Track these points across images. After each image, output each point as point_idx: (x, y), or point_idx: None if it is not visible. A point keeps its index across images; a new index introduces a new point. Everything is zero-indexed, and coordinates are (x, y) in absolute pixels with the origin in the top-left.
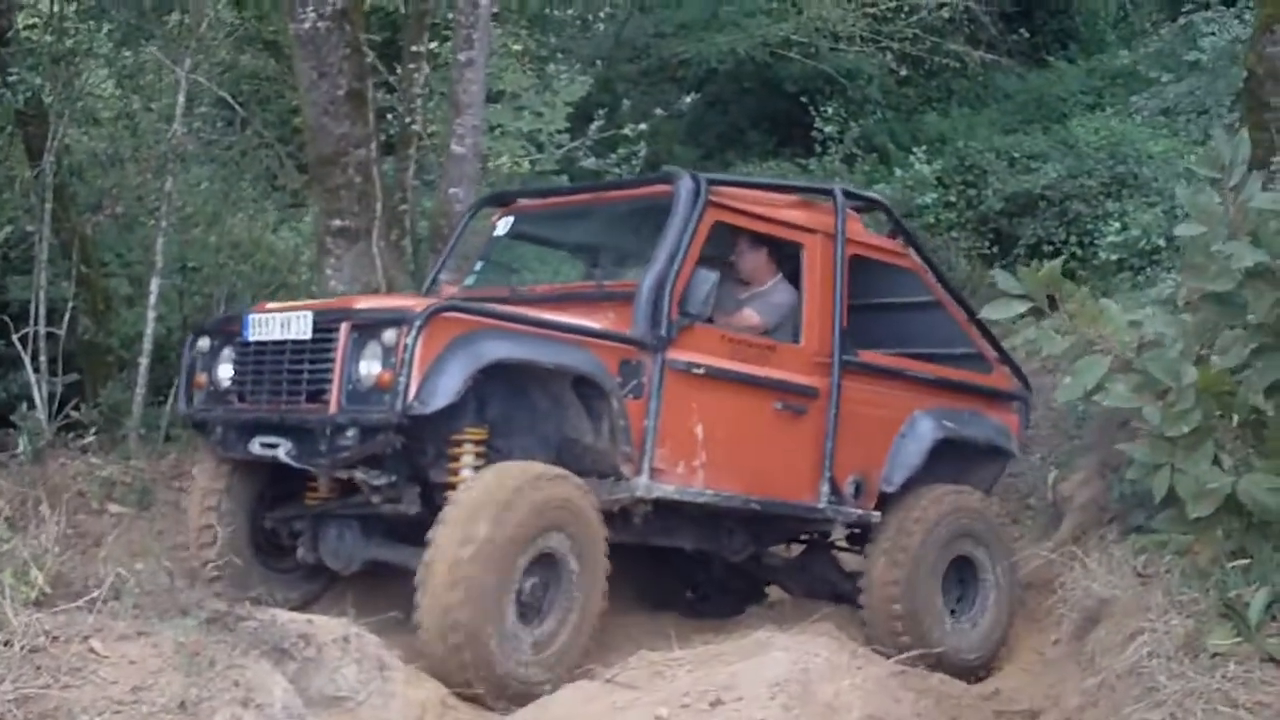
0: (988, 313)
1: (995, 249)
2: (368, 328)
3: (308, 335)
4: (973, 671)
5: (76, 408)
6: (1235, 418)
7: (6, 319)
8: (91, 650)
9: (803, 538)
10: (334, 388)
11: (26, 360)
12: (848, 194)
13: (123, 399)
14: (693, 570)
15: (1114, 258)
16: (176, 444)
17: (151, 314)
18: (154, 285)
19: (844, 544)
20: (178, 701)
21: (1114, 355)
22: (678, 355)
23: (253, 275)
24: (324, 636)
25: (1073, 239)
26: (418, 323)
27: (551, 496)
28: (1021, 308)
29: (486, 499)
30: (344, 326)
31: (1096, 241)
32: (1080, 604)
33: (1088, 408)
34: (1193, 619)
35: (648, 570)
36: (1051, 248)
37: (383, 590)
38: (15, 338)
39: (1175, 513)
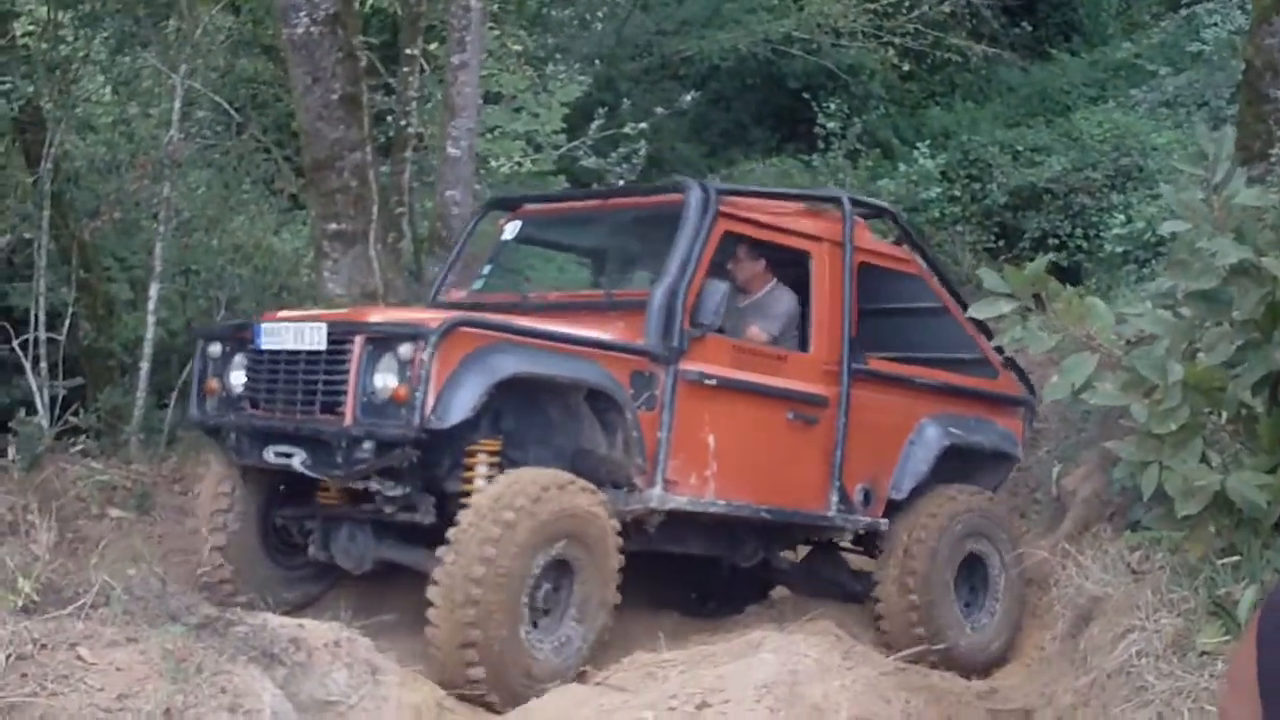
0: (974, 312)
1: (1000, 243)
2: (382, 341)
3: (322, 346)
4: (984, 668)
5: (76, 413)
6: (1224, 415)
7: (7, 325)
8: (79, 657)
9: (811, 538)
10: (349, 400)
11: (27, 365)
12: (855, 201)
13: (124, 403)
14: (699, 572)
15: (1119, 250)
16: (177, 448)
17: (151, 318)
18: (153, 290)
19: (849, 545)
20: (163, 709)
21: (1101, 353)
22: (690, 366)
23: (254, 278)
24: (314, 641)
25: (1078, 232)
26: (434, 338)
27: (561, 505)
28: (1007, 307)
29: (495, 517)
30: (358, 339)
31: (1102, 234)
32: (1074, 601)
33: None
34: (1182, 617)
35: (650, 571)
36: (1056, 241)
37: (378, 593)
38: (16, 343)
39: (1164, 510)
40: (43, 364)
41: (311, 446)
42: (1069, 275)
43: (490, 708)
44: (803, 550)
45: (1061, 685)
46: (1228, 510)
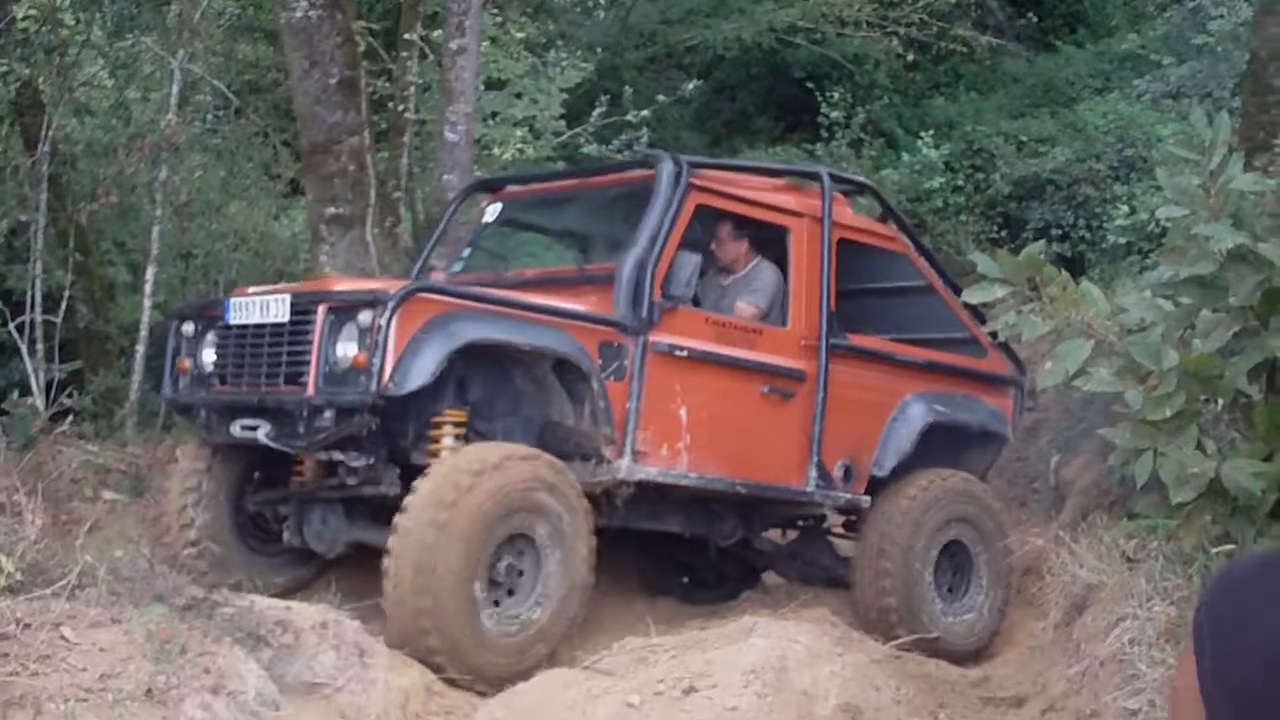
0: (968, 297)
1: (1004, 233)
2: (344, 309)
3: (286, 318)
4: (967, 656)
5: (70, 395)
6: (1220, 402)
7: (4, 308)
8: (62, 637)
9: (799, 523)
10: (311, 369)
11: (23, 348)
12: (835, 177)
13: (119, 386)
14: (687, 555)
15: (1123, 241)
16: (173, 431)
17: (148, 302)
18: (150, 273)
19: (840, 529)
20: (145, 689)
21: (1096, 339)
22: (660, 338)
23: (253, 263)
24: (302, 623)
25: (1081, 223)
26: (392, 304)
27: (519, 477)
28: (1001, 291)
29: (448, 484)
30: (321, 309)
31: (1105, 225)
32: (1068, 589)
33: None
34: (1175, 605)
35: (645, 557)
36: (1060, 231)
37: (373, 576)
38: (12, 326)
39: (1158, 498)
40: (39, 346)
41: (276, 418)
42: (1072, 266)
43: (479, 692)
44: (793, 536)
45: (1054, 673)
46: (1222, 498)
